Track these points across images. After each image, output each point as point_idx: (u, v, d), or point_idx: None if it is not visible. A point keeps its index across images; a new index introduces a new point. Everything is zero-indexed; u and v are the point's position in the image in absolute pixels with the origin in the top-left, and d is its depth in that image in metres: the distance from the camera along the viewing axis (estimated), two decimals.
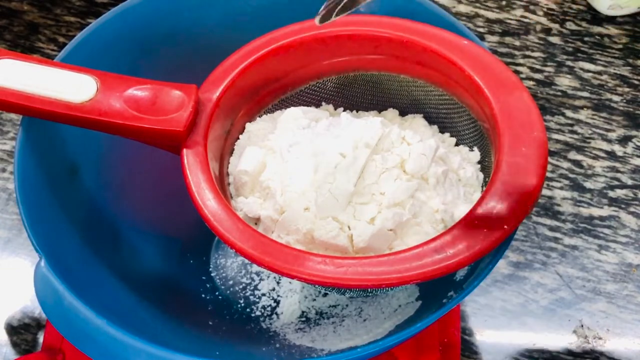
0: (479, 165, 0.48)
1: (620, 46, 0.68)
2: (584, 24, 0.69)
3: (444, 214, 0.44)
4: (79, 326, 0.40)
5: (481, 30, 0.69)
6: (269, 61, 0.48)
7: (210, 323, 0.53)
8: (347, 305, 0.53)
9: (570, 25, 0.69)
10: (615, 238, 0.59)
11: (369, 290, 0.50)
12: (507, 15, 0.70)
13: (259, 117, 0.50)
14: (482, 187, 0.47)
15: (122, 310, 0.47)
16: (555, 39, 0.68)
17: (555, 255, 0.58)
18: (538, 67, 0.67)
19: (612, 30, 0.68)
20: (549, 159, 0.60)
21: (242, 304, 0.55)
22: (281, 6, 0.53)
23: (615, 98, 0.65)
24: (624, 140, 0.63)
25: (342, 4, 0.37)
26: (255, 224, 0.46)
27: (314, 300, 0.54)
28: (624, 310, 0.56)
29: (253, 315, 0.54)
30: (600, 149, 0.63)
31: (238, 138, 0.49)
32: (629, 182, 0.61)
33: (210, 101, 0.46)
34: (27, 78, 0.45)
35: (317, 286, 0.53)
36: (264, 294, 0.55)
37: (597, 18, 0.69)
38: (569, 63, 0.67)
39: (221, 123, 0.47)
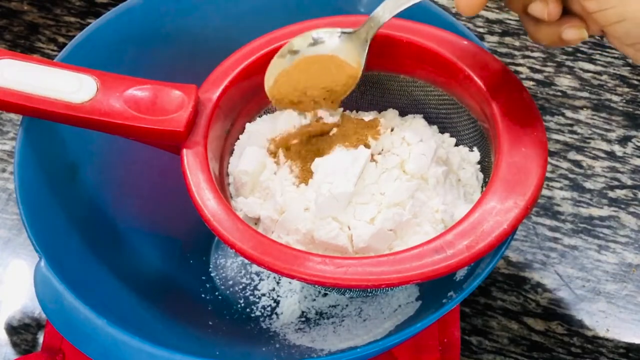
0: (478, 166, 0.47)
1: None
2: None
3: (444, 214, 0.44)
4: (79, 326, 0.40)
5: (481, 30, 0.69)
6: (269, 61, 0.48)
7: (210, 323, 0.53)
8: (347, 305, 0.53)
9: None
10: (615, 238, 0.59)
11: (369, 290, 0.50)
12: (507, 16, 0.70)
13: (259, 117, 0.50)
14: (482, 187, 0.47)
15: (122, 310, 0.47)
16: None
17: (555, 255, 0.58)
18: (538, 67, 0.67)
19: None
20: (549, 159, 0.60)
21: (242, 304, 0.55)
22: (281, 6, 0.53)
23: (615, 98, 0.65)
24: (623, 141, 0.63)
25: None
26: (255, 224, 0.46)
27: (314, 300, 0.54)
28: (623, 310, 0.56)
29: (253, 315, 0.54)
30: (600, 149, 0.63)
31: (238, 138, 0.49)
32: (629, 182, 0.61)
33: (210, 101, 0.46)
34: (27, 78, 0.45)
35: (317, 286, 0.53)
36: (263, 294, 0.55)
37: None
38: (568, 63, 0.67)
39: (221, 123, 0.47)
